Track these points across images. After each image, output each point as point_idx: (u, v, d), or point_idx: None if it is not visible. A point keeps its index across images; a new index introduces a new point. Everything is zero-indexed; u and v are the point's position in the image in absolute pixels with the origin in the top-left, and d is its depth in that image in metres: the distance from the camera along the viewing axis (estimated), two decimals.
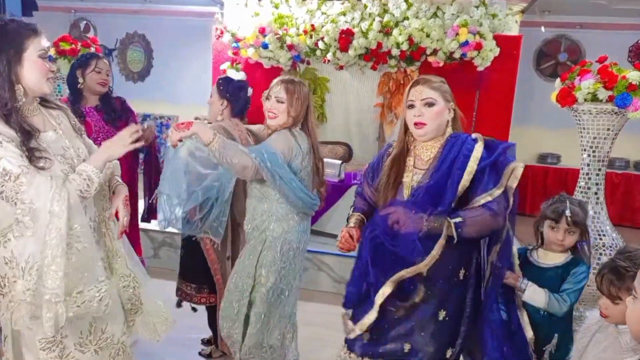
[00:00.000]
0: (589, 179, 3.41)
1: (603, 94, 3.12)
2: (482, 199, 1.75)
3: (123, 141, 1.70)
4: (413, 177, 1.83)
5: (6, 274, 1.51)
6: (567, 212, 2.03)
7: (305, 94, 2.22)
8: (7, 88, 1.53)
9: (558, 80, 3.47)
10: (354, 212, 2.04)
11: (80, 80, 2.76)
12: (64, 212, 1.50)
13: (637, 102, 3.07)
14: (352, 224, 1.97)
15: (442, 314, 1.81)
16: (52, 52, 4.12)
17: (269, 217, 2.20)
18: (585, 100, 3.21)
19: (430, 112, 1.80)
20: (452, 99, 1.87)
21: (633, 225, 6.17)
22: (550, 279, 2.02)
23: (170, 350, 2.76)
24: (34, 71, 1.57)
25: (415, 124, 1.81)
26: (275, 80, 2.26)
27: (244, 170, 2.04)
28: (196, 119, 2.68)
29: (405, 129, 1.90)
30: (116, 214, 1.78)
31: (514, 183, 1.82)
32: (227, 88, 2.51)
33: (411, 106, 1.83)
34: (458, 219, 1.71)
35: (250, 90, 2.63)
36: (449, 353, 1.84)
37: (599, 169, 3.38)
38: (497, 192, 1.77)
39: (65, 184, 1.56)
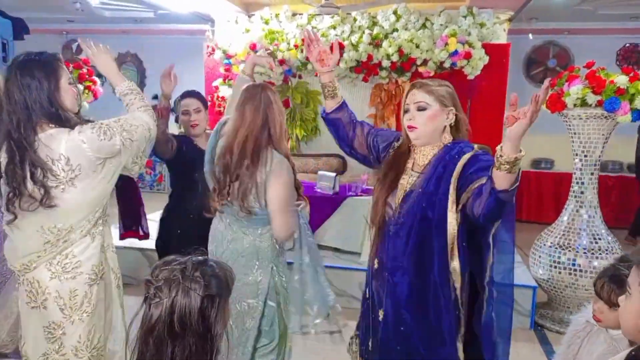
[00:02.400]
0: (582, 183, 3.43)
1: (592, 98, 3.16)
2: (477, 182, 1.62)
3: (104, 55, 1.94)
4: (408, 180, 1.79)
5: None
6: None
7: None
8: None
9: None
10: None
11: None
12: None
13: (626, 105, 3.11)
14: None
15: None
16: None
17: None
18: (575, 105, 3.25)
19: (421, 116, 1.74)
20: (454, 103, 1.76)
21: (628, 227, 6.19)
22: None
23: None
24: (68, 96, 1.77)
25: (408, 127, 1.78)
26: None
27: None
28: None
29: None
30: None
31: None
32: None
33: (406, 110, 1.79)
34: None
35: None
36: None
37: (592, 173, 3.40)
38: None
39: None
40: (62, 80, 1.73)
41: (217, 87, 5.67)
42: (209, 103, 5.77)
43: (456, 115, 1.76)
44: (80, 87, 4.08)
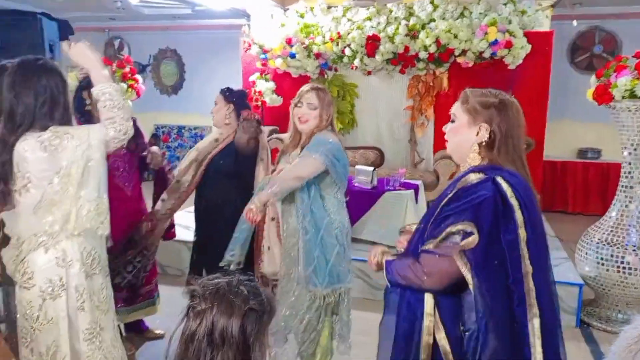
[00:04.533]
0: (631, 177, 3.30)
1: None
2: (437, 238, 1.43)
3: (81, 48, 1.80)
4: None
5: None
6: None
7: (330, 99, 2.34)
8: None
9: (593, 77, 3.37)
10: None
11: (88, 101, 2.65)
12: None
13: None
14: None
15: None
16: None
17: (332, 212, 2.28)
18: (623, 97, 3.12)
19: (449, 128, 1.58)
20: (490, 118, 1.47)
21: None
22: None
23: None
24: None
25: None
26: (304, 88, 2.33)
27: (310, 172, 2.18)
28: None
29: None
30: None
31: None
32: (232, 94, 2.71)
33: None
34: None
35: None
36: None
37: None
38: (459, 227, 1.39)
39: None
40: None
41: (254, 82, 5.72)
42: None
43: (492, 132, 1.46)
44: (124, 85, 4.20)
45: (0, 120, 1.72)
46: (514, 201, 1.39)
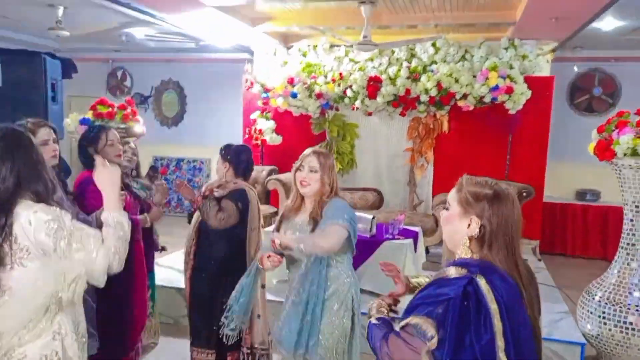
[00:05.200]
0: (634, 234, 3.26)
1: None
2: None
3: (110, 174, 1.77)
4: None
5: None
6: None
7: (332, 163, 2.33)
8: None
9: (595, 131, 3.36)
10: None
11: (93, 153, 2.61)
12: None
13: None
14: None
15: None
16: (89, 115, 4.28)
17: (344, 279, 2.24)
18: (625, 154, 3.10)
19: (443, 215, 1.52)
20: (481, 211, 1.40)
21: None
22: None
23: None
24: (43, 163, 1.70)
25: None
26: (305, 152, 2.33)
27: (340, 243, 2.11)
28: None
29: None
30: None
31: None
32: (228, 152, 2.67)
33: None
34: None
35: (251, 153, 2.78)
36: None
37: None
38: (415, 320, 1.34)
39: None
40: (33, 154, 1.67)
41: (255, 120, 5.74)
42: (246, 136, 5.87)
43: (483, 226, 1.39)
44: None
45: None
46: (493, 306, 1.30)
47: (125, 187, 2.63)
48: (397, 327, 1.41)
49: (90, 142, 2.68)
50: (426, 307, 1.33)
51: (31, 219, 1.60)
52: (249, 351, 2.58)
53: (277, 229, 2.34)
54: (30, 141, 1.71)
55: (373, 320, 1.55)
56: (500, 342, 1.29)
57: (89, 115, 4.27)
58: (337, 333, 2.21)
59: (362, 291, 3.77)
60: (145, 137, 5.04)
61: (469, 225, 1.41)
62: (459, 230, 1.43)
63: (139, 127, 3.21)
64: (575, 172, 6.55)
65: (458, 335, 1.28)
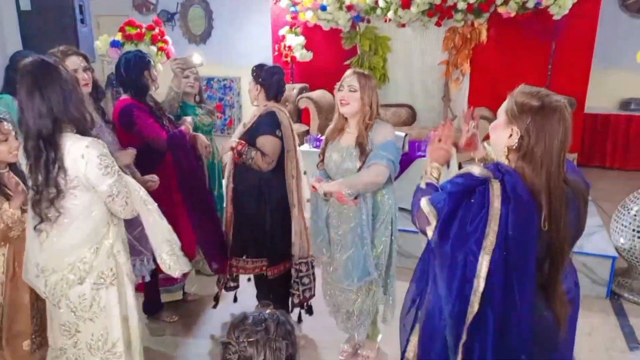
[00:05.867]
0: None
1: None
2: None
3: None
4: None
5: None
6: None
7: (373, 84, 2.37)
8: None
9: None
10: None
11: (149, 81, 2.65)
12: None
13: None
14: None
15: None
16: (118, 37, 4.26)
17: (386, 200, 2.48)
18: None
19: (492, 123, 1.53)
20: (524, 123, 1.38)
21: None
22: None
23: None
24: (79, 92, 1.80)
25: None
26: (347, 72, 2.37)
27: (383, 180, 2.32)
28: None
29: None
30: None
31: None
32: (259, 74, 2.60)
33: None
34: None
35: (283, 74, 2.69)
36: None
37: None
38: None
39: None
40: (63, 85, 1.71)
41: (283, 36, 5.59)
42: (275, 53, 5.75)
43: (522, 138, 1.38)
44: (153, 48, 4.17)
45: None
46: (496, 204, 1.35)
47: (158, 118, 2.67)
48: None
49: (143, 67, 2.65)
50: (441, 195, 1.46)
51: (84, 152, 1.70)
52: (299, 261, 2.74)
53: (323, 152, 2.47)
54: (59, 72, 1.73)
55: (422, 185, 1.65)
56: (488, 244, 1.36)
57: (118, 37, 4.26)
58: (378, 250, 2.41)
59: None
60: (174, 55, 5.05)
61: (511, 135, 1.41)
62: (501, 139, 1.44)
63: (197, 58, 3.12)
64: (621, 80, 6.19)
65: (444, 226, 1.41)
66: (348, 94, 2.30)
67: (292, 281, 2.76)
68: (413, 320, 1.71)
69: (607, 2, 5.65)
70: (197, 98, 3.18)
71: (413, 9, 4.87)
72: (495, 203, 1.35)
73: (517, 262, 1.37)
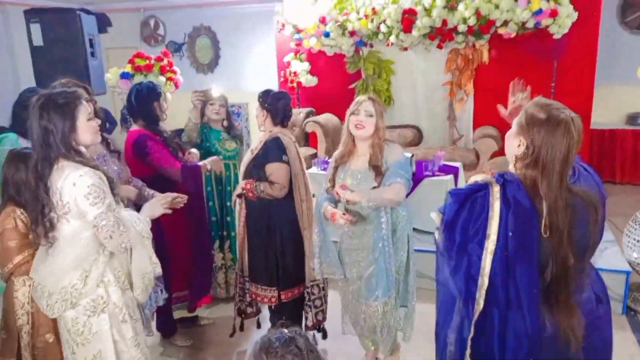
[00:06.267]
0: None
1: None
2: None
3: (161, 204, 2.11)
4: None
5: None
6: None
7: (383, 109, 2.48)
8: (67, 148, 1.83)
9: None
10: None
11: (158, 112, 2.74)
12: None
13: None
14: None
15: None
16: (128, 68, 4.38)
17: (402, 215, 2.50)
18: None
19: (508, 132, 1.61)
20: (531, 134, 1.46)
21: None
22: None
23: None
24: (87, 133, 1.87)
25: None
26: (361, 98, 2.45)
27: (402, 198, 2.36)
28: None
29: None
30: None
31: None
32: (265, 99, 2.66)
33: None
34: None
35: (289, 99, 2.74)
36: None
37: None
38: None
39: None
40: (80, 120, 1.82)
41: (289, 63, 5.70)
42: (281, 79, 5.85)
43: (527, 148, 1.46)
44: (162, 78, 4.27)
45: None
46: (496, 205, 1.44)
47: (172, 148, 2.74)
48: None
49: (156, 97, 2.74)
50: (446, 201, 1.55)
51: (76, 181, 1.78)
52: (311, 284, 2.74)
53: (333, 177, 2.48)
54: (69, 107, 1.81)
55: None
56: (490, 244, 1.43)
57: (128, 68, 4.37)
58: (397, 264, 2.45)
59: None
60: (183, 85, 5.16)
61: (519, 145, 1.49)
62: (511, 148, 1.53)
63: (215, 90, 3.18)
64: (626, 95, 6.22)
65: (449, 228, 1.50)
66: (365, 119, 2.37)
67: (304, 304, 2.77)
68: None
69: (607, 19, 5.72)
70: (225, 123, 3.25)
71: (414, 33, 4.96)
72: (496, 204, 1.44)
73: (519, 263, 1.43)
